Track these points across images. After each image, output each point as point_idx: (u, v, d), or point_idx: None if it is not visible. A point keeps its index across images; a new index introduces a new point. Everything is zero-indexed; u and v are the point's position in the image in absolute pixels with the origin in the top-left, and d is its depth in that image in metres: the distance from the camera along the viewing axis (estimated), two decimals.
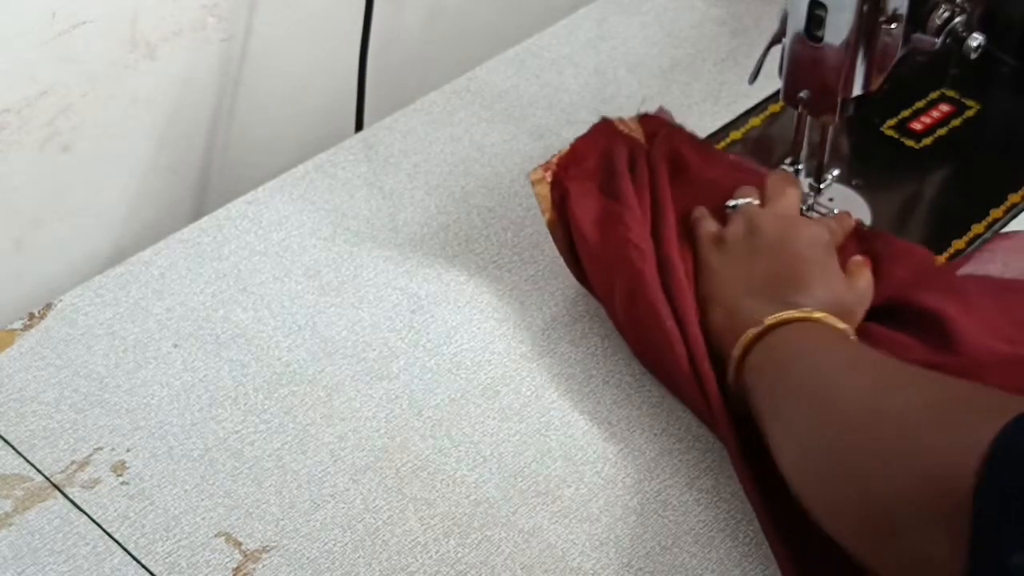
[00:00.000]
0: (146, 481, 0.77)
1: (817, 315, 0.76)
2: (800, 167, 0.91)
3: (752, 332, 0.76)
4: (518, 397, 0.83)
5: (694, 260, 0.86)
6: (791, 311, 0.76)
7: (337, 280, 0.91)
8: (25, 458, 0.79)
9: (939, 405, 0.63)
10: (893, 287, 0.84)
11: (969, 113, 1.03)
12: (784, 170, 0.92)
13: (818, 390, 0.70)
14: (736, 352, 0.76)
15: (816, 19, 0.83)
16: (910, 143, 1.00)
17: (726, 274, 0.83)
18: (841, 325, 0.76)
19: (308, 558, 0.73)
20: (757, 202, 0.87)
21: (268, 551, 0.74)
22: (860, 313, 0.82)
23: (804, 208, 0.92)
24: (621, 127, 0.96)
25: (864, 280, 0.83)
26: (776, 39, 0.87)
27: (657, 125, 0.96)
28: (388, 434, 0.80)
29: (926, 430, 0.61)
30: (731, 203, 0.88)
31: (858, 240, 0.88)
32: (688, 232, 0.89)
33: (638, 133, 0.96)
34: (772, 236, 0.83)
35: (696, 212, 0.89)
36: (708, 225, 0.87)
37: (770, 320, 0.75)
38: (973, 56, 0.86)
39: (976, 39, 0.85)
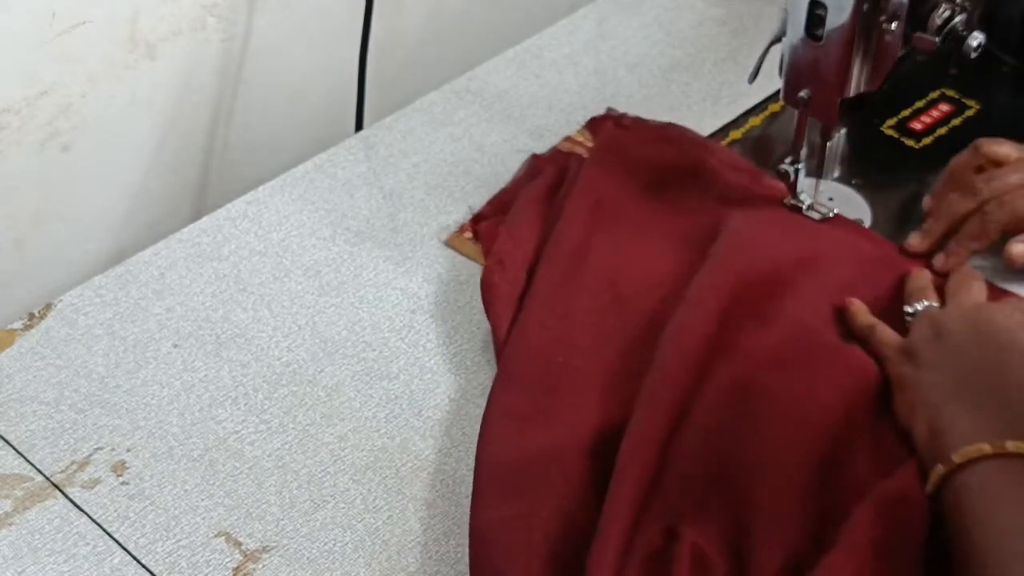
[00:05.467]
0: (146, 481, 0.77)
1: (1011, 447, 0.69)
2: (800, 167, 0.91)
3: (941, 470, 0.70)
4: None
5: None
6: (983, 445, 0.69)
7: (337, 280, 0.91)
8: (25, 458, 0.79)
9: None
10: None
11: (969, 113, 1.03)
12: (968, 270, 0.86)
13: (991, 569, 0.65)
14: (929, 488, 0.70)
15: (816, 19, 0.83)
16: (910, 143, 1.00)
17: (925, 383, 0.75)
18: None
19: (308, 558, 0.73)
20: (936, 303, 0.82)
21: (268, 551, 0.74)
22: None
23: (803, 208, 0.92)
24: (566, 146, 0.99)
25: None
26: (776, 39, 0.87)
27: (600, 127, 0.99)
28: (388, 434, 0.80)
29: None
30: (910, 308, 0.83)
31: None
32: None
33: (587, 139, 0.99)
34: (964, 333, 0.77)
35: (865, 319, 0.82)
36: (886, 335, 0.80)
37: (959, 457, 0.69)
38: (973, 56, 0.85)
39: (976, 39, 0.85)
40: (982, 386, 0.73)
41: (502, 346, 0.83)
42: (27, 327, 0.87)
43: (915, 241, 0.89)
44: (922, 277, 0.86)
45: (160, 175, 1.03)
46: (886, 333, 0.80)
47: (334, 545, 0.74)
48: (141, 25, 0.95)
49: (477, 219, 0.94)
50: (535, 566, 0.69)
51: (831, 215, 0.92)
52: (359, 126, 1.09)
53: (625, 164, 0.96)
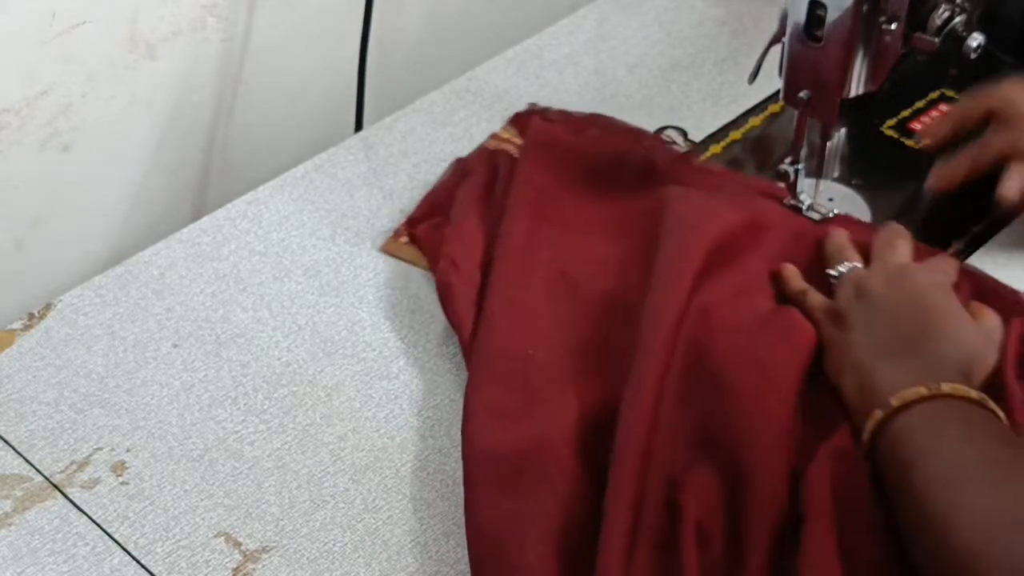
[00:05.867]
0: (146, 481, 0.77)
1: (947, 388, 0.71)
2: (800, 167, 0.91)
3: (879, 415, 0.72)
4: None
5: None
6: (919, 388, 0.71)
7: (337, 280, 0.91)
8: (25, 458, 0.78)
9: None
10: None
11: None
12: (893, 224, 0.88)
13: (933, 517, 0.66)
14: (865, 436, 0.72)
15: (816, 19, 0.83)
16: (910, 143, 1.00)
17: (852, 342, 0.78)
18: (974, 394, 0.72)
19: (308, 558, 0.73)
20: (860, 264, 0.84)
21: (268, 551, 0.74)
22: (993, 352, 0.77)
23: (803, 208, 0.92)
24: (493, 143, 1.00)
25: (990, 319, 0.79)
26: (776, 39, 0.87)
27: (526, 123, 1.00)
28: (388, 434, 0.80)
29: None
30: (833, 271, 0.84)
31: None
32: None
33: (514, 136, 1.00)
34: (887, 293, 0.79)
35: (797, 283, 0.85)
36: (815, 299, 0.83)
37: (897, 400, 0.71)
38: (973, 56, 0.86)
39: (976, 39, 0.85)
40: (907, 343, 0.76)
41: (469, 345, 0.83)
42: (27, 327, 0.87)
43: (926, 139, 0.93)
44: (839, 236, 0.87)
45: (160, 175, 1.03)
46: (816, 297, 0.83)
47: (334, 545, 0.74)
48: (141, 25, 0.95)
49: (411, 223, 0.94)
50: (548, 554, 0.70)
51: (831, 215, 0.92)
52: (359, 126, 1.09)
53: (559, 157, 0.97)
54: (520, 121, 1.02)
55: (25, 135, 0.91)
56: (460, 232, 0.91)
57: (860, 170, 0.97)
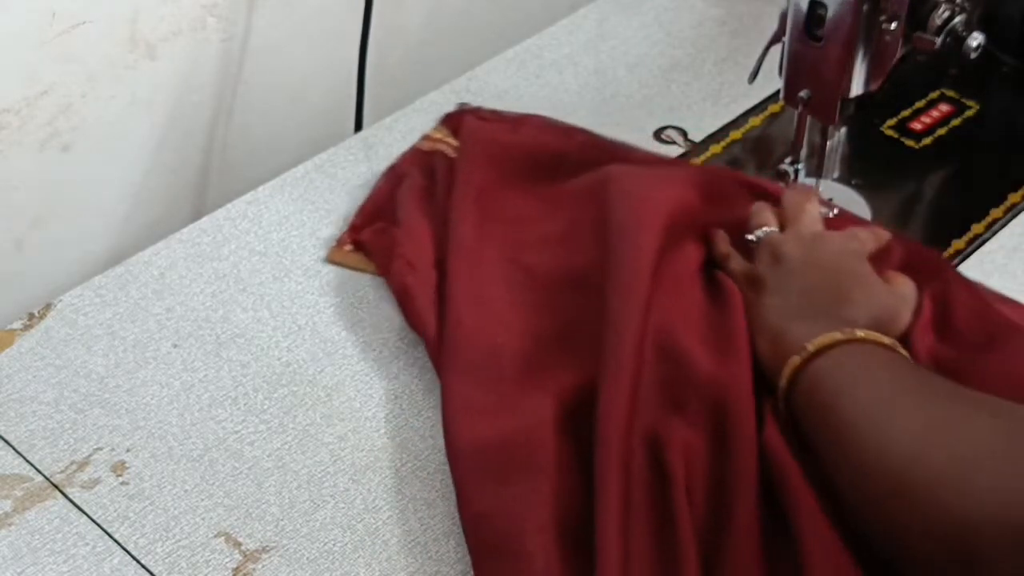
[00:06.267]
0: (146, 481, 0.77)
1: (861, 334, 0.74)
2: (800, 167, 0.91)
3: (796, 361, 0.74)
4: None
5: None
6: (834, 333, 0.74)
7: (337, 280, 0.91)
8: (25, 458, 0.78)
9: (998, 445, 0.62)
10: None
11: (969, 113, 1.03)
12: (799, 186, 0.90)
13: (862, 440, 0.68)
14: (782, 383, 0.74)
15: (816, 19, 0.83)
16: (910, 143, 1.01)
17: (766, 305, 0.80)
18: (887, 340, 0.74)
19: (308, 558, 0.73)
20: (776, 228, 0.85)
21: (268, 551, 0.73)
22: (906, 315, 0.80)
23: None
24: (427, 144, 1.00)
25: (904, 285, 0.81)
26: (776, 39, 0.87)
27: (459, 123, 1.01)
28: (388, 434, 0.80)
29: (980, 475, 0.61)
30: (752, 236, 0.85)
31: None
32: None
33: (447, 136, 1.00)
34: (801, 258, 0.81)
35: (722, 247, 0.87)
36: (736, 263, 0.85)
37: (813, 345, 0.73)
38: (973, 56, 0.86)
39: (976, 39, 0.85)
40: (820, 306, 0.78)
41: (436, 344, 0.83)
42: (27, 327, 0.87)
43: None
44: (762, 204, 0.88)
45: (160, 175, 1.03)
46: (737, 262, 0.85)
47: (334, 545, 0.74)
48: (141, 25, 0.95)
49: (353, 230, 0.94)
50: (548, 539, 0.70)
51: (832, 215, 0.92)
52: (359, 126, 1.09)
53: (497, 155, 0.97)
54: (452, 121, 1.02)
55: (25, 135, 0.91)
56: (410, 233, 0.91)
57: (860, 170, 0.97)
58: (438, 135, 1.01)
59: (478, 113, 1.02)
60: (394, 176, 0.98)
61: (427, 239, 0.90)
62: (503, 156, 0.97)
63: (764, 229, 0.85)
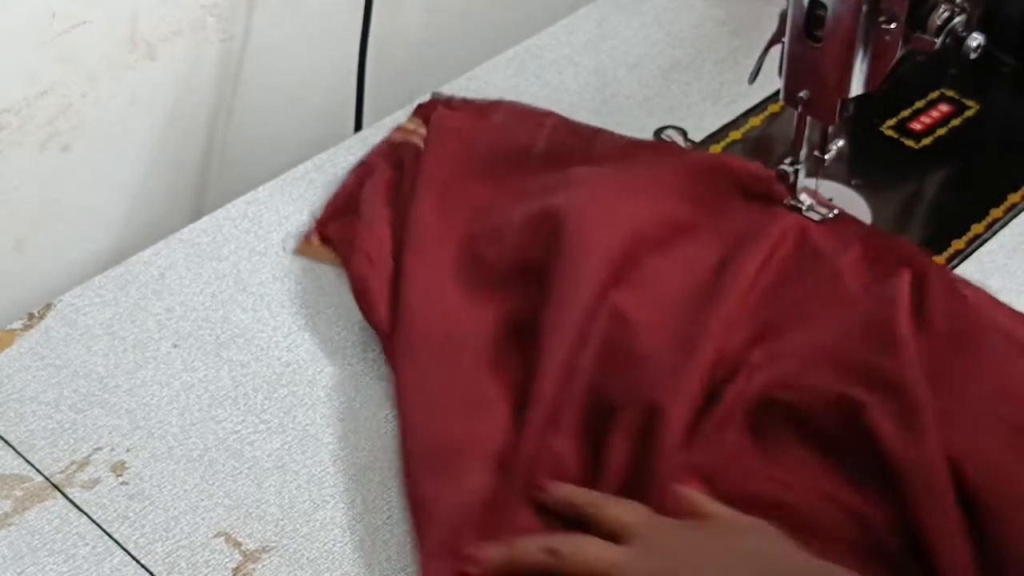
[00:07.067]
0: (146, 481, 0.77)
1: None
2: (800, 167, 0.91)
3: None
4: None
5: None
6: None
7: (337, 280, 0.91)
8: (25, 458, 0.78)
9: None
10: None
11: (969, 113, 1.03)
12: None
13: None
14: None
15: (816, 19, 0.83)
16: (910, 143, 1.01)
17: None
18: None
19: (308, 558, 0.73)
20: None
21: (268, 551, 0.73)
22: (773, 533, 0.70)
23: (803, 208, 0.92)
24: (398, 136, 1.00)
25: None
26: (776, 39, 0.87)
27: (429, 112, 1.01)
28: (388, 434, 0.80)
29: None
30: None
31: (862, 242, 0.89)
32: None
33: (419, 127, 1.00)
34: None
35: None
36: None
37: None
38: (973, 56, 0.85)
39: (976, 39, 0.85)
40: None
41: (388, 335, 0.84)
42: (27, 327, 0.87)
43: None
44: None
45: (160, 175, 1.03)
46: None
47: (334, 545, 0.74)
48: (141, 25, 0.95)
49: (321, 224, 0.94)
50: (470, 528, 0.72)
51: (831, 215, 0.92)
52: (359, 126, 1.09)
53: (463, 144, 0.98)
54: (424, 111, 1.03)
55: (25, 135, 0.91)
56: (371, 225, 0.91)
57: (860, 170, 0.97)
58: (411, 126, 1.01)
59: (449, 103, 1.03)
60: (363, 170, 0.98)
61: (387, 231, 0.91)
62: (468, 146, 0.98)
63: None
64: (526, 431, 0.76)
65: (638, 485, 0.74)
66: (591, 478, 0.75)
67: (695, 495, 0.73)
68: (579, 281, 0.83)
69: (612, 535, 0.69)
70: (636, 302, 0.83)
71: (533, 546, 0.69)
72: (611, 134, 0.99)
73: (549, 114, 1.01)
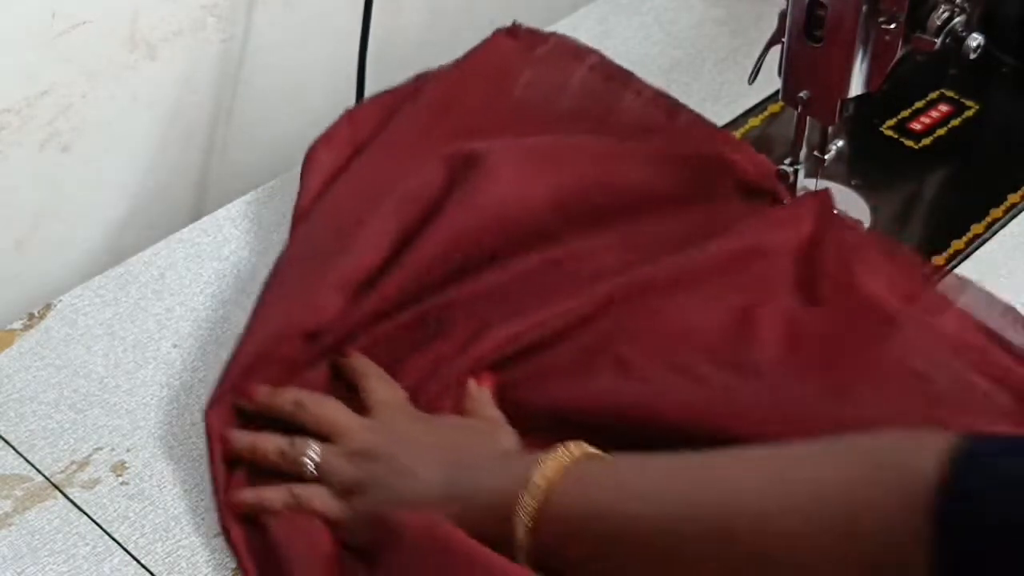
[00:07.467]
0: (146, 481, 0.77)
1: (573, 447, 0.66)
2: (799, 167, 0.91)
3: (531, 504, 0.65)
4: None
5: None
6: (554, 458, 0.66)
7: None
8: (25, 458, 0.78)
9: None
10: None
11: (968, 113, 1.03)
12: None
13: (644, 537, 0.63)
14: (521, 535, 0.65)
15: (816, 19, 0.83)
16: (909, 143, 1.01)
17: (389, 491, 0.70)
18: (589, 448, 0.68)
19: None
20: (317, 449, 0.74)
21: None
22: (507, 434, 0.74)
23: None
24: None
25: (485, 408, 0.76)
26: (776, 39, 0.87)
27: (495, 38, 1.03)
28: None
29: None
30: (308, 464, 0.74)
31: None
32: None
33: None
34: (391, 440, 0.73)
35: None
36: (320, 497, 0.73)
37: (543, 479, 0.65)
38: (972, 56, 0.86)
39: (975, 39, 0.85)
40: (463, 454, 0.71)
41: (303, 212, 0.88)
42: (27, 327, 0.87)
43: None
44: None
45: (160, 175, 1.03)
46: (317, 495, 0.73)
47: None
48: (141, 25, 0.95)
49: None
50: None
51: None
52: None
53: (492, 73, 0.99)
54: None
55: (25, 135, 0.91)
56: (352, 115, 0.95)
57: (860, 170, 0.98)
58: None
59: (512, 29, 1.03)
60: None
61: (366, 125, 0.94)
62: (502, 72, 0.99)
63: (310, 455, 0.73)
64: (350, 315, 0.79)
65: (435, 372, 0.77)
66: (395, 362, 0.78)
67: (480, 393, 0.77)
68: (468, 209, 0.84)
69: (364, 407, 0.76)
70: (520, 253, 0.84)
71: (289, 396, 0.76)
72: (640, 86, 0.98)
73: (590, 54, 1.01)
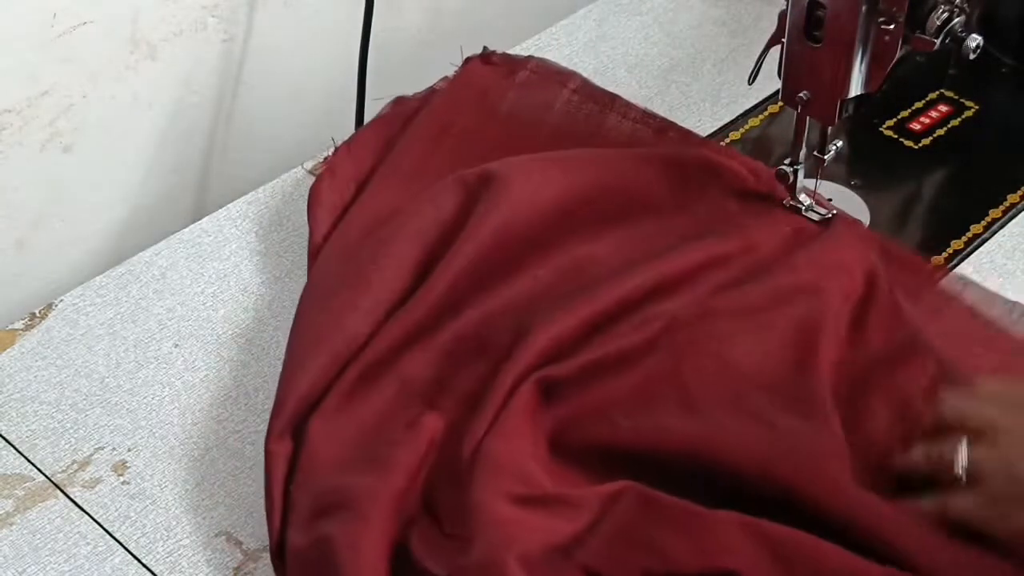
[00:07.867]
0: (147, 481, 0.77)
1: None
2: (799, 167, 0.91)
3: None
4: None
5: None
6: None
7: None
8: (26, 458, 0.79)
9: None
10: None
11: (968, 113, 1.03)
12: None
13: None
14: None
15: (816, 19, 0.83)
16: (909, 143, 1.01)
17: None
18: None
19: None
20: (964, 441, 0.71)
21: (268, 550, 0.74)
22: None
23: (803, 208, 0.92)
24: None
25: None
26: (775, 39, 0.87)
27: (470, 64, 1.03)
28: None
29: None
30: (958, 468, 0.70)
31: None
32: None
33: None
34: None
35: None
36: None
37: None
38: (972, 57, 0.86)
39: (975, 40, 0.85)
40: None
41: (317, 249, 0.88)
42: (28, 327, 0.87)
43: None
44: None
45: (160, 175, 1.03)
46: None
47: None
48: (142, 25, 0.95)
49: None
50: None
51: (831, 215, 0.92)
52: (359, 126, 1.09)
53: (479, 94, 1.00)
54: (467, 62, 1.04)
55: (26, 135, 0.91)
56: (351, 148, 0.95)
57: (860, 170, 0.98)
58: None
59: (487, 57, 1.04)
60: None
61: (366, 158, 0.94)
62: (484, 97, 1.00)
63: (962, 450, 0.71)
64: (386, 337, 0.79)
65: (486, 384, 0.76)
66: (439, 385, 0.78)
67: None
68: (485, 228, 0.84)
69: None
70: (540, 260, 0.84)
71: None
72: (625, 107, 0.99)
73: (572, 77, 1.02)
